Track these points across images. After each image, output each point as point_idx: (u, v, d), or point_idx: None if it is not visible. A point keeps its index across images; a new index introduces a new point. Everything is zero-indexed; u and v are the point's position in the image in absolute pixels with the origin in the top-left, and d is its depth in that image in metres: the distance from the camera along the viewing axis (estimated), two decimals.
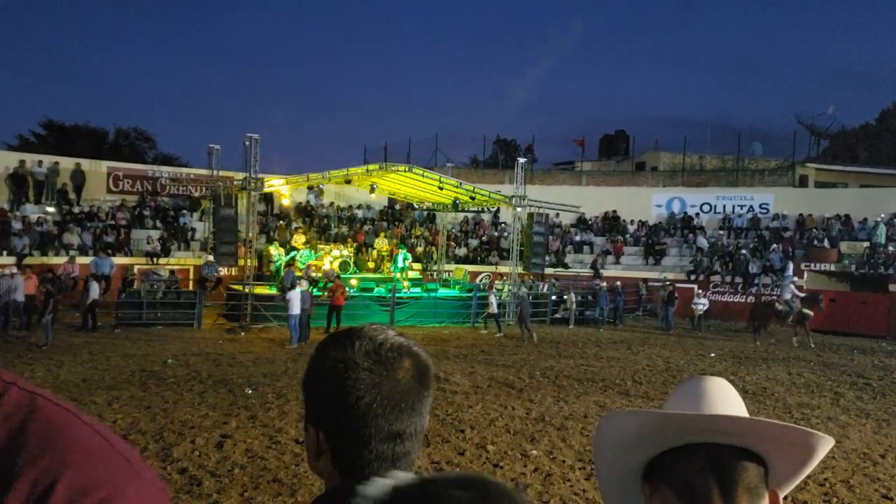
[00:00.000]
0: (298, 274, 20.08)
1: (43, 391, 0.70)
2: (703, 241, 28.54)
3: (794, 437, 1.02)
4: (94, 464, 0.65)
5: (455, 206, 25.13)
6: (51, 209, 24.12)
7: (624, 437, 1.06)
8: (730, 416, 1.03)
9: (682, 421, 1.01)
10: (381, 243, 26.99)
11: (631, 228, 31.15)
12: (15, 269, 17.08)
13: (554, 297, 23.71)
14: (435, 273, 27.78)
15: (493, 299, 19.93)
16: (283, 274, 20.60)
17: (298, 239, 24.76)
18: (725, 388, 1.11)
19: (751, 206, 30.49)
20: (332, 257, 23.85)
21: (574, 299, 23.07)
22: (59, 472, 0.62)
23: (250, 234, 20.52)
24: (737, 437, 1.01)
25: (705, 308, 22.37)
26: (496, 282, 26.36)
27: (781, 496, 1.04)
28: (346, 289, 19.57)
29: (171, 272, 23.05)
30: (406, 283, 23.43)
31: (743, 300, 25.44)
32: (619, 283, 24.45)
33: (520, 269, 24.50)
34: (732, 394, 1.11)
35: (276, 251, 23.41)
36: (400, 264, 24.25)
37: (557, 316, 23.25)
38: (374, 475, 1.03)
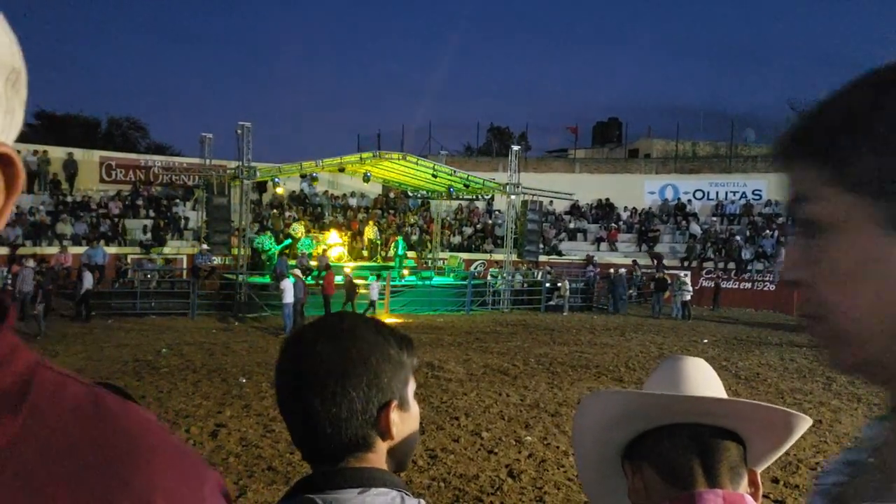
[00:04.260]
0: (292, 262, 20.05)
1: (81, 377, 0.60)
2: (696, 228, 28.61)
3: (774, 418, 1.04)
4: (176, 471, 0.58)
5: (450, 193, 25.11)
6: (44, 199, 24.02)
7: (608, 417, 1.08)
8: (715, 398, 1.05)
9: (667, 401, 1.03)
10: (370, 231, 26.85)
11: (624, 215, 31.19)
12: (32, 262, 17.17)
13: (548, 285, 23.77)
14: (430, 261, 27.79)
15: (375, 285, 19.66)
16: (275, 262, 20.57)
17: (298, 228, 24.60)
18: (704, 368, 1.14)
19: (744, 193, 30.55)
20: (326, 245, 23.81)
21: (568, 286, 23.15)
22: (151, 489, 0.54)
23: (243, 223, 20.47)
24: (719, 418, 1.03)
25: (691, 295, 22.36)
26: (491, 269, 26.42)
27: (759, 473, 1.07)
28: (335, 277, 19.53)
29: (167, 261, 23.02)
30: (406, 271, 23.43)
31: (737, 286, 25.58)
32: (612, 269, 24.52)
33: (514, 257, 24.53)
34: (711, 374, 1.13)
35: (267, 240, 23.25)
36: (399, 251, 24.27)
37: (552, 303, 23.32)
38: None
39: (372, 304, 19.08)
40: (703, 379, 1.10)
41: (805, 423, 1.06)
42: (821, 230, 0.56)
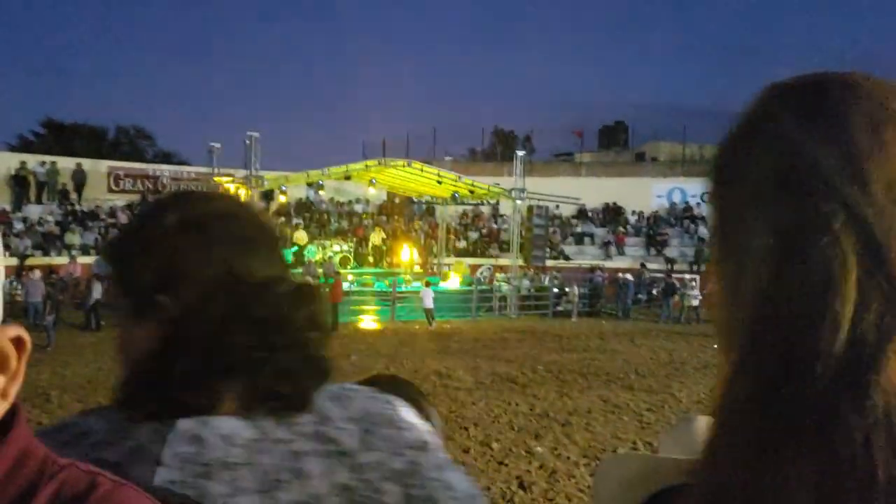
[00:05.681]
0: (298, 270, 20.04)
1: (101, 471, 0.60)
2: (704, 231, 28.52)
3: None
4: None
5: (454, 199, 25.07)
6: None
7: (625, 477, 1.11)
8: None
9: (680, 464, 1.06)
10: (375, 237, 26.89)
11: (632, 219, 31.13)
12: (38, 273, 17.24)
13: (556, 290, 23.70)
14: (435, 266, 27.78)
15: (430, 294, 19.31)
16: None
17: (300, 236, 24.69)
18: None
19: None
20: (332, 252, 23.84)
21: (577, 292, 23.01)
22: None
23: None
24: None
25: (698, 300, 22.18)
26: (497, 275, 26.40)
27: None
28: (343, 284, 19.55)
29: None
30: (408, 277, 23.45)
31: None
32: (620, 274, 24.47)
33: (520, 262, 24.48)
34: None
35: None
36: (405, 258, 24.31)
37: (560, 309, 23.25)
38: None
39: (428, 311, 18.78)
40: None
41: None
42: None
